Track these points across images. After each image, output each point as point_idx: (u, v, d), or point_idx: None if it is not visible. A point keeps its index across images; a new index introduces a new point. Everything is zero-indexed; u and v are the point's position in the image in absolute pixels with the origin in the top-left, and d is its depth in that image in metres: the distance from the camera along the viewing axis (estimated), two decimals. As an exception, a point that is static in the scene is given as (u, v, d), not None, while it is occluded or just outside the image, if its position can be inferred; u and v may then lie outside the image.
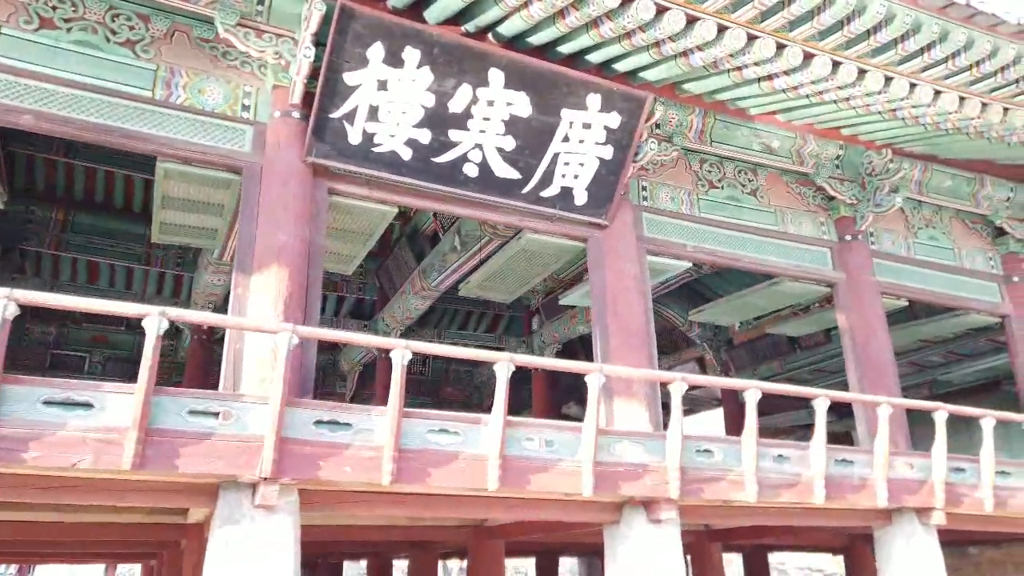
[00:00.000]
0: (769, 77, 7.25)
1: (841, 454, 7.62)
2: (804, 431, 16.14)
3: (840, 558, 13.71)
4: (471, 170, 7.03)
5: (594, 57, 7.14)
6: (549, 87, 7.01)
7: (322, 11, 6.07)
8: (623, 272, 7.73)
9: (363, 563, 17.06)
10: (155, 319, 5.03)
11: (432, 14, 6.55)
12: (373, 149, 6.62)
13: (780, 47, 6.78)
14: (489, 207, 7.39)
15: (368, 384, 14.63)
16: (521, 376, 15.37)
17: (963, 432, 10.17)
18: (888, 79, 7.29)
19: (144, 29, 6.38)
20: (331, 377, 16.46)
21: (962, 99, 7.65)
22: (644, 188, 8.33)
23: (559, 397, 14.17)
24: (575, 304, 10.80)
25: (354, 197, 6.91)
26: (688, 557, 11.47)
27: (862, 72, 7.17)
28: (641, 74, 7.39)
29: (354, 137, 6.51)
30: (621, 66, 7.26)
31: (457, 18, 6.67)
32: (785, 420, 14.92)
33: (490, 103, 6.86)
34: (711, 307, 11.15)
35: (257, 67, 6.65)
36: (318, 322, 6.31)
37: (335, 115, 6.41)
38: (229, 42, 6.42)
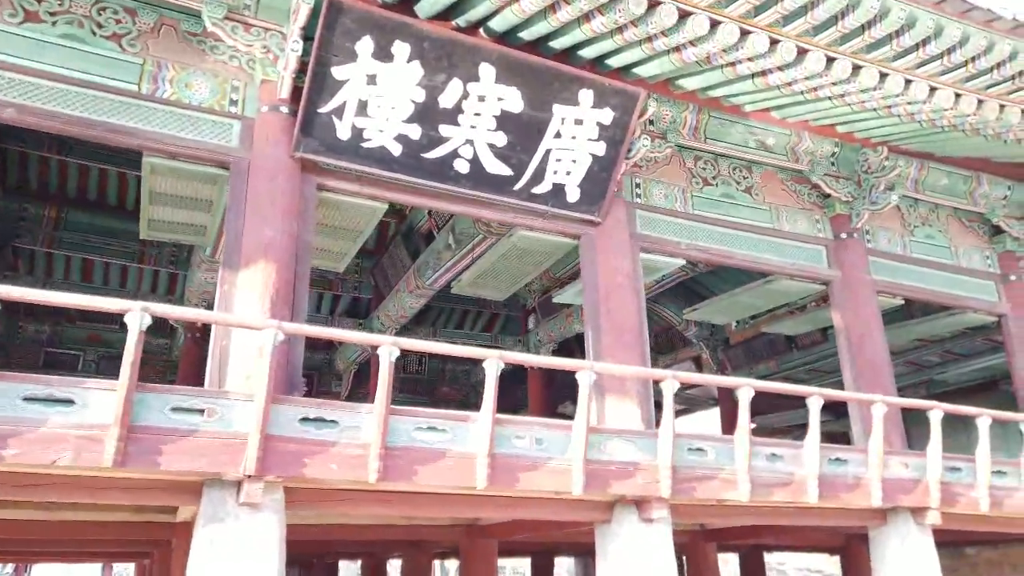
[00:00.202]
0: (763, 73, 7.19)
1: (835, 453, 7.55)
2: (801, 431, 16.03)
3: (837, 559, 13.64)
4: (462, 166, 6.97)
5: (587, 52, 7.08)
6: (541, 82, 6.95)
7: (311, 5, 6.01)
8: (616, 269, 7.67)
9: (359, 563, 16.97)
10: (137, 315, 4.97)
11: (423, 8, 6.49)
12: (362, 144, 6.55)
13: (774, 42, 6.72)
14: (481, 204, 7.33)
15: (364, 383, 14.58)
16: (517, 376, 15.43)
17: (961, 432, 10.11)
18: (883, 75, 7.22)
19: (131, 23, 6.32)
20: (327, 376, 16.42)
21: (957, 96, 7.59)
22: (637, 185, 8.27)
23: (555, 396, 14.12)
24: (569, 302, 10.74)
25: (343, 193, 6.85)
26: (683, 557, 11.43)
27: (856, 68, 7.11)
28: (634, 70, 7.34)
29: (343, 132, 6.45)
30: (614, 61, 7.20)
31: (448, 12, 6.61)
32: (781, 420, 14.85)
33: (481, 98, 6.80)
34: (706, 305, 11.08)
35: (245, 61, 6.59)
36: (306, 319, 6.24)
37: (324, 110, 6.35)
38: (217, 36, 6.36)
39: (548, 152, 7.25)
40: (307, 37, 6.21)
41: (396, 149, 6.68)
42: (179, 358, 12.96)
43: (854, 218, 9.14)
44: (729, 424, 14.71)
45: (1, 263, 12.34)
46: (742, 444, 6.93)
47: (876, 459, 7.52)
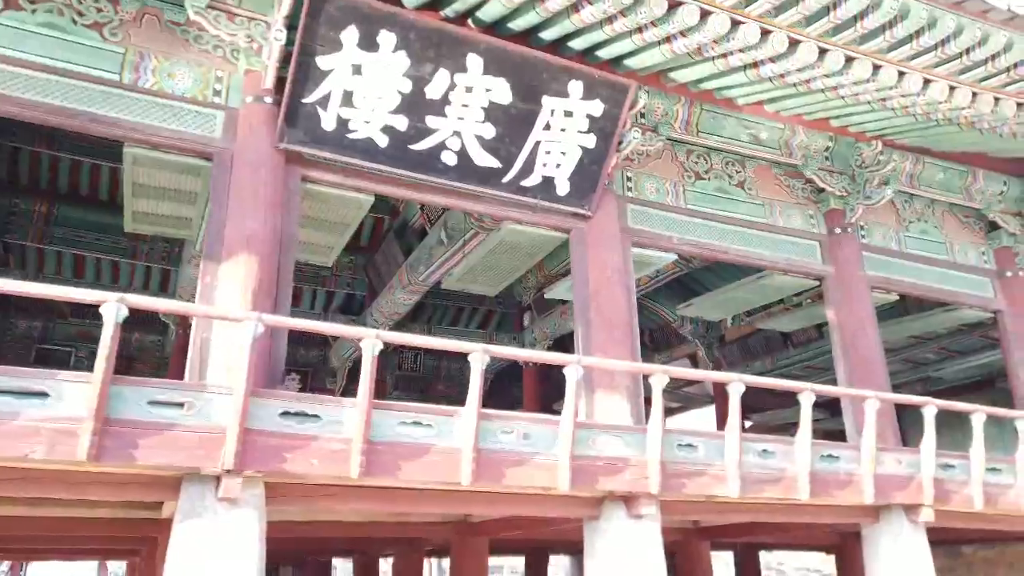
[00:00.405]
0: (755, 64, 7.10)
1: (827, 449, 7.47)
2: (797, 428, 16.00)
3: (833, 557, 13.55)
4: (449, 158, 6.88)
5: (577, 44, 7.00)
6: (529, 73, 6.87)
7: (294, -8, 5.93)
8: (606, 264, 7.58)
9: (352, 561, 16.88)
10: (112, 306, 4.89)
11: (410, -2, 6.42)
12: (348, 135, 6.47)
13: (765, 33, 6.62)
14: (469, 196, 7.25)
15: (358, 380, 14.48)
16: (513, 374, 15.33)
17: (958, 430, 10.01)
18: (876, 67, 7.13)
19: (112, 11, 6.23)
20: (321, 373, 16.34)
21: (952, 88, 7.49)
22: (629, 179, 8.18)
23: (550, 394, 14.03)
24: (562, 298, 10.65)
25: (329, 185, 6.76)
26: (675, 554, 11.34)
27: (849, 60, 7.01)
28: (625, 61, 7.25)
29: (328, 123, 6.37)
30: (604, 53, 7.12)
31: (435, 2, 6.53)
32: (777, 418, 14.80)
33: (468, 89, 6.72)
34: (699, 301, 11.00)
35: (229, 51, 6.50)
36: (289, 312, 6.16)
37: (308, 100, 6.26)
38: (200, 25, 6.29)
39: (537, 144, 7.17)
40: (291, 26, 6.13)
41: (382, 140, 6.59)
42: (171, 354, 12.90)
43: (848, 213, 9.05)
44: (724, 421, 14.64)
45: (-6, 258, 12.28)
46: (732, 440, 6.85)
47: (869, 455, 7.43)
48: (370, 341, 5.60)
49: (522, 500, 6.39)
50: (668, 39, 6.69)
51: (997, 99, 7.62)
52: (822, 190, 9.12)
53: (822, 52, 6.86)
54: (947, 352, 13.03)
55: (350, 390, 14.85)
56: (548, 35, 6.84)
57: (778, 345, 13.64)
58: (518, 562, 26.13)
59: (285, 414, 5.41)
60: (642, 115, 8.02)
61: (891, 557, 7.85)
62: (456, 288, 10.35)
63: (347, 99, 6.36)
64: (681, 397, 16.34)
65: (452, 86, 6.65)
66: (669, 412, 17.67)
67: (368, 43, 6.23)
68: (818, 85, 7.41)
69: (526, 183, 7.27)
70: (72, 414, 4.76)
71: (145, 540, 9.30)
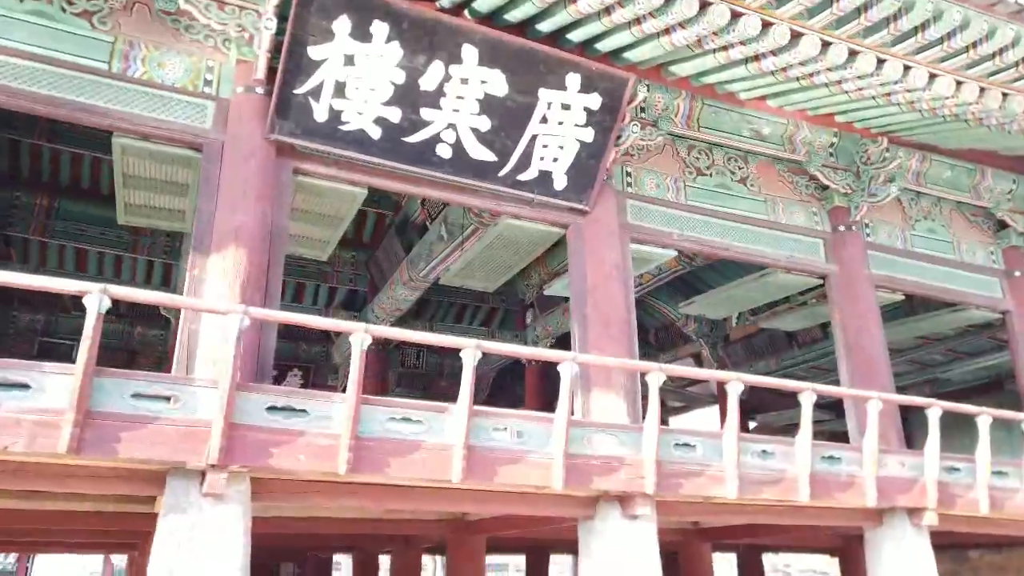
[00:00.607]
0: (756, 58, 6.98)
1: (828, 450, 7.33)
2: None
3: (836, 560, 13.38)
4: (444, 151, 6.78)
5: (575, 36, 6.89)
6: (526, 65, 6.76)
7: (286, -19, 5.84)
8: (604, 260, 7.47)
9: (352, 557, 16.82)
10: (95, 297, 4.82)
11: (405, -12, 6.31)
12: (340, 127, 6.38)
13: (766, 25, 6.51)
14: (464, 190, 7.14)
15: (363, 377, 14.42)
16: (516, 373, 15.22)
17: (966, 434, 9.84)
18: (880, 61, 7.00)
19: (102, 0, 6.15)
20: (323, 369, 16.29)
21: (958, 83, 7.35)
22: (628, 174, 8.06)
23: (551, 392, 13.86)
24: (561, 295, 10.54)
25: (321, 177, 6.68)
26: (677, 555, 11.21)
27: (853, 53, 6.88)
28: (624, 54, 7.15)
29: (320, 114, 6.28)
30: (603, 46, 7.02)
31: (431, -8, 6.44)
32: (781, 418, 14.65)
33: (464, 81, 6.62)
34: (701, 299, 10.87)
35: (220, 41, 6.42)
36: (279, 306, 6.07)
37: (300, 91, 6.18)
38: (191, 15, 6.21)
39: (534, 138, 7.06)
40: (283, 16, 6.04)
41: (375, 132, 6.50)
42: (171, 348, 12.86)
43: (853, 211, 8.90)
44: (725, 420, 14.50)
45: (-6, 251, 12.26)
46: (731, 440, 6.73)
47: (871, 457, 7.29)
48: (359, 335, 5.50)
49: (515, 499, 6.28)
50: (667, 31, 6.57)
51: (1005, 95, 7.48)
52: (826, 187, 8.98)
53: (825, 45, 6.73)
54: (955, 354, 12.85)
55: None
56: (545, 27, 6.73)
57: (783, 345, 13.48)
58: (523, 561, 26.04)
59: (272, 408, 5.32)
60: (642, 109, 7.90)
61: (894, 561, 7.70)
62: (454, 284, 10.25)
63: (339, 90, 6.27)
64: (685, 397, 16.20)
65: (447, 77, 6.55)
66: (673, 412, 17.56)
67: (361, 33, 6.13)
68: (821, 79, 7.29)
69: (523, 177, 7.16)
70: (54, 406, 4.68)
71: (140, 534, 9.26)
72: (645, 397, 7.15)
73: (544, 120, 7.02)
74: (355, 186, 6.91)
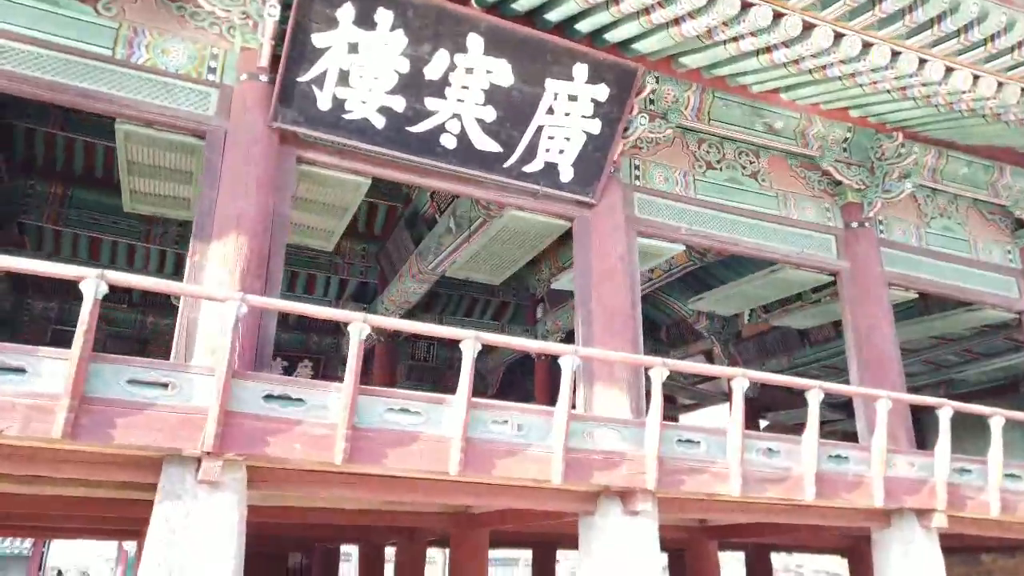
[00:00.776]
0: (768, 49, 6.86)
1: (835, 449, 7.21)
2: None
3: (846, 560, 13.23)
4: (449, 141, 6.72)
5: (583, 26, 6.80)
6: (532, 55, 6.68)
7: (290, -32, 5.80)
8: (609, 253, 7.39)
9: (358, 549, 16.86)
10: (92, 282, 4.82)
11: (410, -24, 6.24)
12: (344, 116, 6.34)
13: (778, 16, 6.38)
14: (469, 181, 7.08)
15: (371, 369, 14.46)
16: (525, 368, 15.14)
17: (980, 437, 9.68)
18: (895, 54, 6.84)
19: (107, -14, 6.16)
20: (334, 361, 16.32)
21: (976, 77, 7.17)
22: (636, 167, 7.97)
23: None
24: (568, 289, 10.46)
25: (324, 166, 6.64)
26: (683, 553, 11.13)
27: (867, 46, 6.74)
28: (634, 45, 7.05)
29: (323, 103, 6.24)
30: (612, 36, 6.92)
31: (437, -19, 6.36)
32: (792, 417, 14.48)
33: (469, 70, 6.55)
34: (710, 295, 10.75)
35: (225, 28, 6.39)
36: (279, 294, 6.05)
37: (303, 79, 6.14)
38: (196, 1, 6.17)
39: (540, 129, 6.98)
40: (286, 3, 6.00)
41: (379, 121, 6.45)
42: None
43: (866, 207, 8.75)
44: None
45: (8, 238, 12.34)
46: (735, 437, 6.63)
47: (879, 457, 7.17)
48: (357, 325, 5.47)
49: (513, 492, 6.23)
50: (676, 21, 6.47)
51: None
52: (839, 183, 8.83)
53: (837, 37, 6.59)
54: (970, 354, 12.63)
55: (363, 379, 14.92)
56: (553, 16, 6.65)
57: (795, 343, 13.32)
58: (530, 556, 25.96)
59: (269, 397, 5.30)
60: (651, 101, 7.81)
61: (902, 563, 7.58)
62: (460, 276, 10.20)
63: (343, 78, 6.23)
64: (696, 394, 16.07)
65: (452, 67, 6.49)
66: (684, 409, 17.43)
67: (365, 21, 6.08)
68: (834, 72, 7.14)
69: (528, 169, 7.09)
70: (49, 391, 4.69)
71: (146, 522, 9.28)
72: (650, 392, 7.09)
73: (550, 111, 6.94)
74: (359, 175, 6.87)
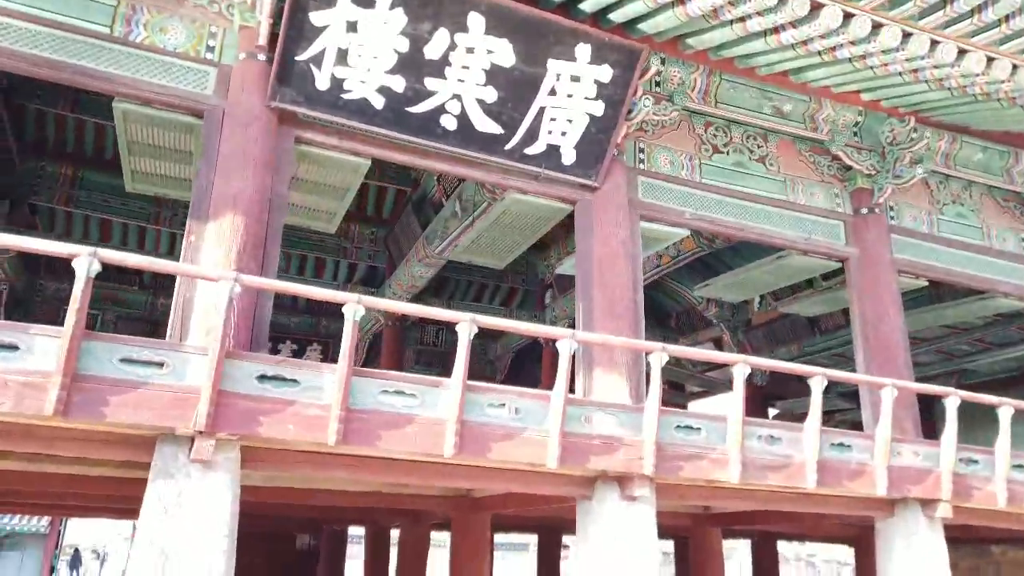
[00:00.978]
0: (775, 30, 6.74)
1: (838, 438, 7.13)
2: (825, 417, 15.49)
3: (853, 550, 13.14)
4: (449, 122, 6.65)
5: (586, 5, 6.71)
6: (534, 35, 6.58)
7: (287, -55, 5.73)
8: (612, 237, 7.30)
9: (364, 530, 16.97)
10: (85, 260, 4.82)
11: (410, -46, 6.17)
12: (343, 96, 6.28)
13: (785, -5, 6.25)
14: (470, 163, 7.02)
15: (379, 354, 14.48)
16: (534, 354, 15.09)
17: (990, 429, 9.55)
18: (907, 35, 6.69)
19: (105, -37, 6.12)
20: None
21: (990, 60, 7.00)
22: (641, 150, 7.86)
23: (570, 374, 13.79)
24: (572, 273, 10.37)
25: (323, 147, 6.59)
26: (687, 539, 11.10)
27: (877, 26, 6.59)
28: (639, 25, 6.94)
29: (322, 82, 6.19)
30: (616, 16, 6.82)
31: (437, -41, 6.27)
32: (801, 405, 14.32)
33: (469, 50, 6.47)
34: (717, 281, 10.63)
35: (224, 6, 6.35)
36: (276, 275, 6.03)
37: (301, 58, 6.09)
38: (194, -21, 6.14)
39: (542, 110, 6.90)
40: (285, -19, 5.94)
41: (378, 102, 6.39)
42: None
43: (876, 193, 8.60)
44: (749, 406, 14.24)
45: (20, 219, 12.42)
46: (735, 423, 6.56)
47: (883, 446, 7.07)
48: (351, 306, 5.45)
49: (510, 476, 6.20)
50: (681, 0, 6.35)
51: (1039, 72, 7.11)
52: (849, 168, 8.68)
53: (846, 17, 6.46)
54: (982, 344, 12.44)
55: (373, 363, 14.96)
56: (556, -5, 6.56)
57: (805, 331, 13.18)
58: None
59: (262, 377, 5.29)
60: (657, 83, 7.69)
61: (905, 552, 7.49)
62: (463, 260, 10.15)
63: (342, 57, 6.17)
64: (705, 382, 15.96)
65: (452, 46, 6.40)
66: (693, 396, 17.33)
67: (364, -1, 6.01)
68: (844, 54, 7.00)
69: (530, 151, 7.01)
70: (41, 368, 4.70)
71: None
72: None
73: (552, 92, 6.85)
74: (358, 156, 6.81)
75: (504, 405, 5.93)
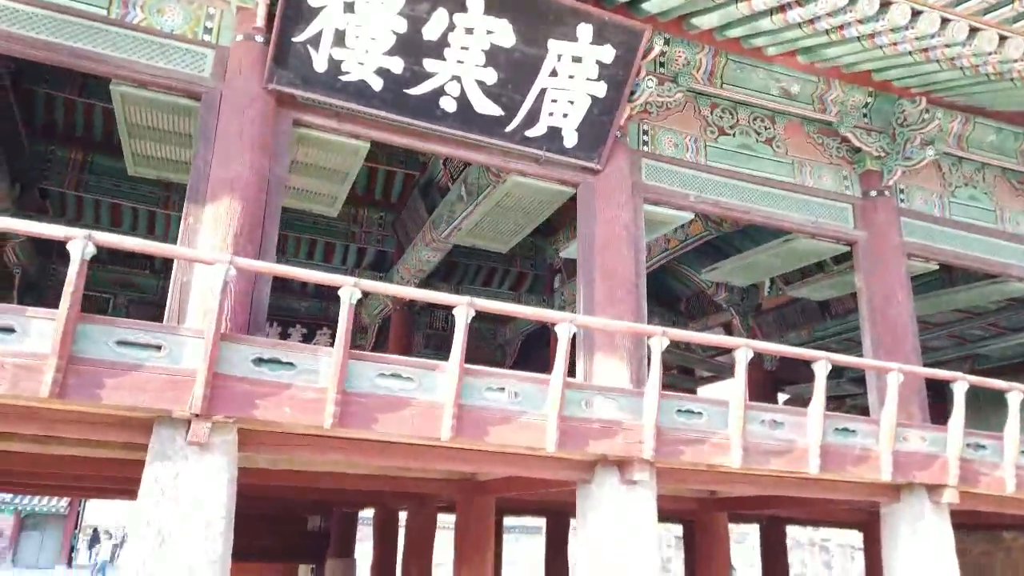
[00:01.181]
0: (781, 8, 6.63)
1: (843, 423, 7.05)
2: (834, 402, 15.40)
3: (862, 535, 13.07)
4: (449, 104, 6.60)
5: (589, -15, 6.62)
6: (534, 15, 6.50)
7: (283, -75, 5.68)
8: (614, 220, 7.23)
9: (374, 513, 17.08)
10: (79, 242, 4.83)
11: (407, -67, 6.10)
12: (340, 77, 6.24)
13: (790, -28, 6.13)
14: (470, 146, 6.96)
15: (388, 336, 14.50)
16: (544, 338, 15.07)
17: (1004, 416, 9.42)
18: (916, 13, 6.55)
19: (101, -56, 6.09)
20: (353, 328, 16.37)
21: (1002, 38, 6.84)
22: (645, 132, 7.77)
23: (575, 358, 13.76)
24: (574, 257, 10.31)
25: (322, 130, 6.56)
26: (693, 524, 11.08)
27: (885, 4, 6.46)
28: (642, 5, 6.86)
29: (319, 64, 6.14)
30: (618, -5, 6.72)
31: (436, -62, 6.20)
32: (812, 391, 14.22)
33: (469, 31, 6.40)
34: (723, 265, 10.52)
35: (222, -13, 6.31)
36: (273, 258, 6.02)
37: (298, 39, 6.04)
38: (191, -40, 6.09)
39: (543, 92, 6.82)
40: (281, -39, 5.88)
41: (377, 83, 6.34)
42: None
43: (886, 175, 8.46)
44: (757, 391, 14.15)
45: (30, 203, 12.50)
46: (736, 407, 6.50)
47: (888, 430, 6.99)
48: (347, 290, 5.44)
49: (508, 459, 6.18)
50: (683, -23, 6.25)
51: (1053, 50, 6.94)
52: (858, 150, 8.54)
53: (853, -6, 6.32)
54: (996, 328, 12.27)
55: (381, 347, 14.99)
56: (558, -26, 6.46)
57: (816, 316, 13.05)
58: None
59: (259, 360, 5.29)
60: (661, 64, 7.58)
61: (910, 538, 7.42)
62: (466, 243, 10.11)
63: (339, 38, 6.12)
64: (714, 367, 15.87)
65: (451, 27, 6.34)
66: (703, 381, 17.24)
67: (361, -21, 5.95)
68: (852, 33, 6.86)
69: (531, 133, 6.94)
70: (37, 350, 4.72)
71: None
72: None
73: (554, 73, 6.77)
74: (357, 139, 6.77)
75: (503, 389, 5.91)
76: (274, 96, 6.22)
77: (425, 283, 12.61)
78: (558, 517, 14.50)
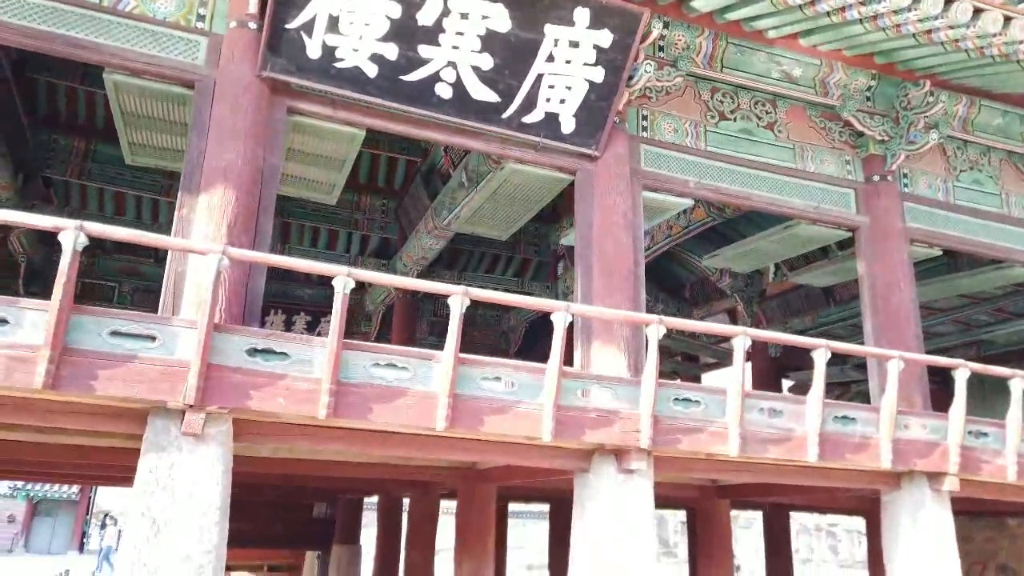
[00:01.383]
0: (781, -10, 6.52)
1: (842, 410, 7.01)
2: (838, 389, 15.34)
3: (864, 522, 13.04)
4: (444, 91, 6.54)
5: (586, -32, 6.52)
6: None
7: (274, -91, 5.61)
8: (613, 207, 7.17)
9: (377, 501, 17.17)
10: (71, 233, 4.81)
11: (400, -83, 6.03)
12: (335, 64, 6.19)
13: (789, -46, 6.04)
14: (467, 133, 6.90)
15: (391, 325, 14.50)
16: (548, 326, 15.05)
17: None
18: (919, -8, 6.45)
19: (93, -69, 6.04)
20: (357, 316, 16.36)
21: (1007, 19, 6.74)
22: (644, 117, 7.69)
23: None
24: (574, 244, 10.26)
25: (317, 117, 6.51)
26: (693, 511, 11.07)
27: (888, -17, 6.36)
28: (640, -12, 6.76)
29: (313, 50, 6.09)
30: (616, -22, 6.63)
31: (429, -78, 6.13)
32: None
33: (463, 16, 6.33)
34: (725, 251, 10.45)
35: (214, -26, 6.26)
36: (268, 248, 6.00)
37: (291, 25, 5.99)
38: (183, -54, 6.04)
39: (540, 77, 6.75)
40: (273, -54, 5.82)
41: (371, 70, 6.29)
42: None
43: (889, 159, 8.36)
44: (762, 379, 14.12)
45: (34, 192, 12.52)
46: (735, 395, 6.47)
47: (888, 418, 6.95)
48: (341, 279, 5.42)
49: (505, 449, 6.17)
50: (682, -41, 6.16)
51: (1059, 32, 6.82)
52: (861, 134, 8.43)
53: (855, -25, 6.23)
54: (1002, 314, 12.16)
55: (385, 336, 14.98)
56: (553, -42, 6.38)
57: (820, 302, 12.97)
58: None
59: (252, 351, 5.27)
60: (660, 48, 7.49)
61: (911, 526, 7.39)
62: (467, 231, 10.07)
63: (333, 25, 6.06)
64: (718, 353, 15.82)
65: (446, 12, 6.27)
66: (706, 368, 17.20)
67: (353, -36, 5.89)
68: (853, 15, 6.77)
69: (528, 119, 6.88)
70: (30, 342, 4.72)
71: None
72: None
73: (550, 58, 6.70)
74: (352, 127, 6.73)
75: (499, 378, 5.89)
76: (268, 84, 6.18)
77: (429, 270, 12.58)
78: (561, 504, 14.49)
